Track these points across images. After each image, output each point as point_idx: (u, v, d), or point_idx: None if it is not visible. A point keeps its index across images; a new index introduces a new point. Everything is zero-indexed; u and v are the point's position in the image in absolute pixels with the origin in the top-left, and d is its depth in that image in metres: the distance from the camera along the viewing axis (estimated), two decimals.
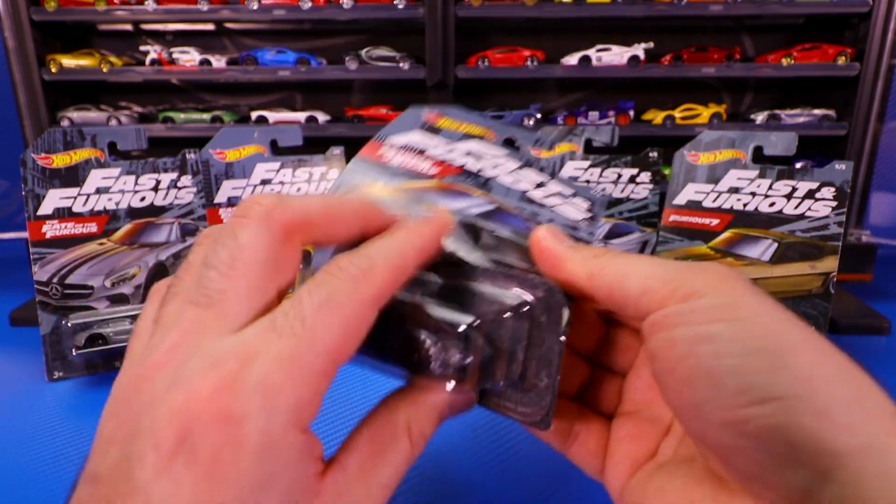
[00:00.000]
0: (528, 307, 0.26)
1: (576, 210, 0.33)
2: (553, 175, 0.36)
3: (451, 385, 0.24)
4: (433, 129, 0.39)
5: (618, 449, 0.30)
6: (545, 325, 0.26)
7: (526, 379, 0.26)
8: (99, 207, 0.82)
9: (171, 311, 0.21)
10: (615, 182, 0.97)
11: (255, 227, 0.22)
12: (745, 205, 0.82)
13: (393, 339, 0.25)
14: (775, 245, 0.80)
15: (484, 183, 0.35)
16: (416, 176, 0.34)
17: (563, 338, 0.26)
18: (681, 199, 0.87)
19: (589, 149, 1.03)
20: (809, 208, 0.79)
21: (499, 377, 0.26)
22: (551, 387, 0.26)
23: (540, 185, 0.35)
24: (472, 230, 0.30)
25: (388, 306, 0.23)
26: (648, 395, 0.31)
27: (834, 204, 0.78)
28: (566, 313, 0.26)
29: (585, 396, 0.33)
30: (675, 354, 0.23)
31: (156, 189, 0.86)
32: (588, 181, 0.98)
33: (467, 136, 0.38)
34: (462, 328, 0.24)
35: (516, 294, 0.26)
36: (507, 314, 0.26)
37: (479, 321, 0.24)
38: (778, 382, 0.20)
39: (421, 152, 0.36)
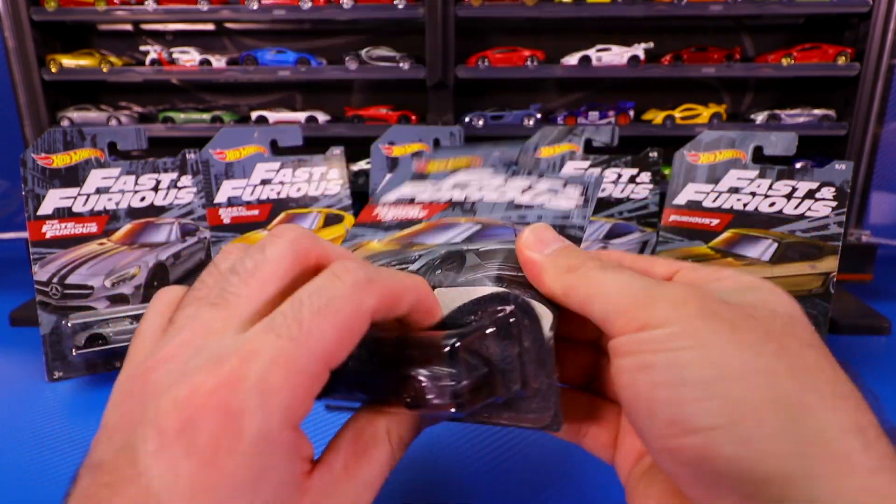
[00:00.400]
0: (508, 316, 0.26)
1: (567, 200, 0.33)
2: (542, 175, 0.36)
3: (454, 411, 0.24)
4: (422, 177, 0.40)
5: (624, 440, 0.31)
6: (530, 329, 0.26)
7: (528, 385, 0.26)
8: (99, 207, 0.82)
9: (187, 313, 0.23)
10: (615, 182, 0.97)
11: (283, 245, 0.24)
12: (745, 205, 0.82)
13: (385, 383, 0.25)
14: (775, 245, 0.80)
15: (470, 208, 0.35)
16: (407, 224, 0.35)
17: (549, 337, 0.26)
18: (681, 199, 0.87)
19: (589, 149, 1.03)
20: (809, 208, 0.79)
21: (500, 391, 0.26)
22: (552, 387, 0.26)
23: (527, 189, 0.35)
24: (456, 257, 0.30)
25: (374, 349, 0.24)
26: None
27: (834, 204, 0.78)
28: (548, 315, 0.26)
29: (596, 385, 0.34)
30: (621, 382, 0.24)
31: (156, 189, 0.86)
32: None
33: (454, 172, 0.39)
34: (446, 348, 0.24)
35: (493, 307, 0.26)
36: (489, 329, 0.26)
37: (459, 339, 0.24)
38: (703, 412, 0.21)
39: (411, 201, 0.37)
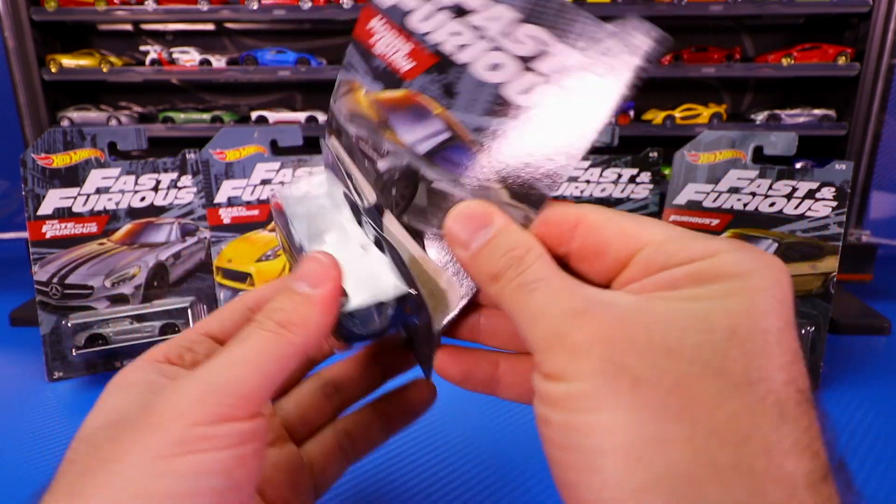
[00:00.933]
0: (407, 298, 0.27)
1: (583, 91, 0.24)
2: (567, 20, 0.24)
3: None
4: None
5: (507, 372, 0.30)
6: (427, 324, 0.28)
7: (418, 344, 0.30)
8: (99, 207, 0.82)
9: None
10: (615, 182, 0.97)
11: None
12: (745, 205, 0.82)
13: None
14: (775, 245, 0.80)
15: (448, 86, 0.26)
16: (391, 76, 0.29)
17: (437, 331, 0.28)
18: (681, 199, 0.87)
19: (589, 148, 1.03)
20: (810, 208, 0.79)
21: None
22: (430, 357, 0.29)
23: (535, 58, 0.24)
24: (411, 181, 0.27)
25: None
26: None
27: (834, 204, 0.78)
28: (447, 312, 0.27)
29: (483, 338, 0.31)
30: (538, 425, 0.23)
31: (156, 189, 0.86)
32: (588, 181, 0.98)
33: None
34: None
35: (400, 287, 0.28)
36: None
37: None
38: (587, 486, 0.20)
39: (401, 28, 0.28)
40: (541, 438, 0.23)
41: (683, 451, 0.18)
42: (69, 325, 0.78)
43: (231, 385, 0.23)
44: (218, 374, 0.24)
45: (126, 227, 0.84)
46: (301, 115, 1.27)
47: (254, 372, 0.24)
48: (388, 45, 0.28)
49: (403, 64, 0.27)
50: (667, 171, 0.97)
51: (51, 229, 0.79)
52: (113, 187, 0.83)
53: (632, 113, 1.26)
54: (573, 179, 0.99)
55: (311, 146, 1.02)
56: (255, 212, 0.92)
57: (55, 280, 0.79)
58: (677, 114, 1.23)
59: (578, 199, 0.95)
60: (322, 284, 0.26)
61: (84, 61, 1.22)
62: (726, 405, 0.18)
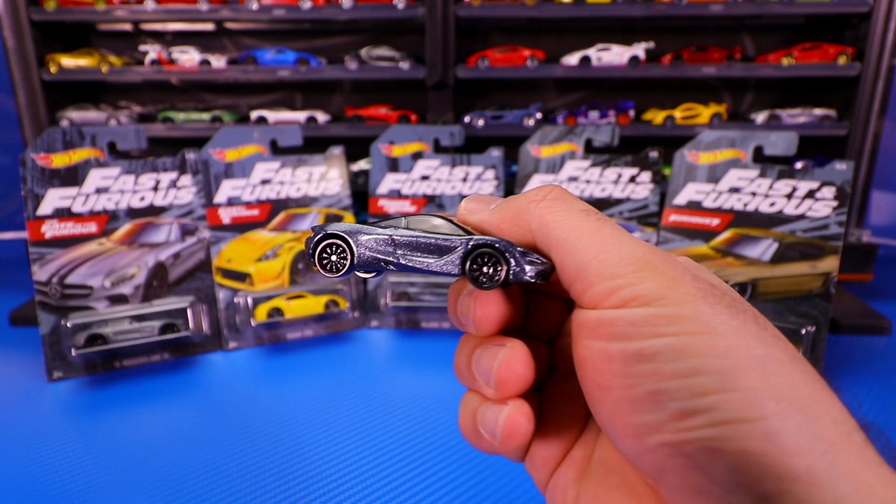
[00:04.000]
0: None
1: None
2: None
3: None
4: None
5: (537, 450, 0.28)
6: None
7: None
8: (98, 207, 0.82)
9: None
10: (615, 182, 0.97)
11: None
12: (745, 205, 0.82)
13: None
14: (776, 245, 0.80)
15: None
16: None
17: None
18: (681, 199, 0.87)
19: (589, 148, 1.03)
20: (810, 208, 0.79)
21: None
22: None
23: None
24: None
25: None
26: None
27: (834, 204, 0.78)
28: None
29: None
30: (610, 371, 0.22)
31: (155, 189, 0.86)
32: (588, 181, 0.98)
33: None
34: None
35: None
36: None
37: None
38: (724, 406, 0.19)
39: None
40: (620, 384, 0.21)
41: (795, 371, 0.20)
42: (69, 325, 0.78)
43: None
44: None
45: (126, 227, 0.84)
46: (301, 115, 1.27)
47: None
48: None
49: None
50: (667, 171, 0.97)
51: (50, 229, 0.79)
52: (112, 187, 0.83)
53: (632, 112, 1.26)
54: (573, 179, 0.99)
55: (310, 146, 1.03)
56: (255, 212, 0.92)
57: (55, 280, 0.79)
58: (678, 114, 1.23)
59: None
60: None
61: (83, 61, 1.22)
62: (781, 338, 0.21)
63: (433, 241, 0.27)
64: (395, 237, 0.28)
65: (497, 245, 0.26)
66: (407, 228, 0.28)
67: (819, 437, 0.19)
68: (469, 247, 0.26)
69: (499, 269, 0.25)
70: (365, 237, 0.28)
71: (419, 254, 0.27)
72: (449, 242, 0.27)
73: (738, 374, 0.20)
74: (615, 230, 0.24)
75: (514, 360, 0.25)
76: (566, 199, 0.26)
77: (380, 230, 0.28)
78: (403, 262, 0.27)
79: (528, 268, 0.25)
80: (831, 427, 0.19)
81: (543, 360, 0.29)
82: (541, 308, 0.30)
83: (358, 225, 0.28)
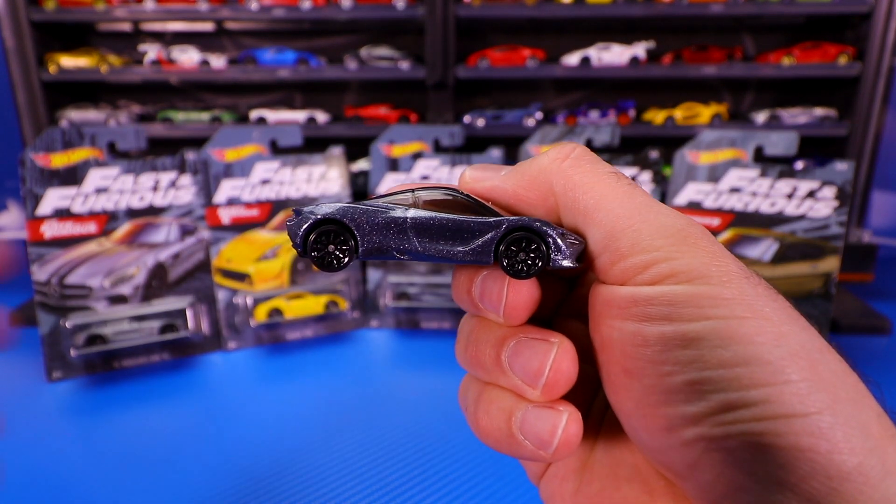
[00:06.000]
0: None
1: None
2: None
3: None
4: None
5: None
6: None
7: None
8: (98, 207, 0.82)
9: None
10: None
11: None
12: (745, 205, 0.82)
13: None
14: (776, 245, 0.80)
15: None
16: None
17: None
18: (681, 199, 0.86)
19: (589, 148, 1.03)
20: (811, 208, 0.79)
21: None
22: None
23: None
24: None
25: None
26: (582, 345, 0.26)
27: (835, 204, 0.78)
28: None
29: None
30: (643, 356, 0.19)
31: (155, 189, 0.85)
32: None
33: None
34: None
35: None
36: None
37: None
38: (776, 398, 0.17)
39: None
40: (653, 371, 0.19)
41: (838, 362, 0.19)
42: (68, 325, 0.78)
43: None
44: None
45: (125, 227, 0.84)
46: (300, 115, 1.27)
47: None
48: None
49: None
50: (667, 171, 0.97)
51: (49, 229, 0.79)
52: (112, 187, 0.83)
53: (632, 112, 1.26)
54: None
55: (310, 146, 1.02)
56: (255, 211, 0.92)
57: (54, 280, 0.79)
58: (678, 114, 1.23)
59: None
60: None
61: (83, 61, 1.22)
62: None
63: (456, 223, 0.23)
64: (409, 219, 0.23)
65: (536, 226, 0.22)
66: (416, 206, 0.23)
67: (867, 433, 0.17)
68: (503, 229, 0.22)
69: (539, 254, 0.22)
70: (370, 220, 0.23)
71: (440, 240, 0.23)
72: (476, 224, 0.23)
73: (789, 363, 0.18)
74: (648, 197, 0.21)
75: (565, 360, 0.22)
76: (591, 158, 0.23)
77: (386, 211, 0.23)
78: (420, 251, 0.23)
79: (567, 251, 0.22)
80: (876, 421, 0.18)
81: None
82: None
83: (354, 204, 0.23)
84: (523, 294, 0.23)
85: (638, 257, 0.20)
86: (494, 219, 0.23)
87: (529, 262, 0.22)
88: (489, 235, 0.22)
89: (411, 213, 0.23)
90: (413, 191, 0.24)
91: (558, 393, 0.22)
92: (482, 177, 0.25)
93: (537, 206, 0.23)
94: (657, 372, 0.19)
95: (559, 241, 0.22)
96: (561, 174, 0.22)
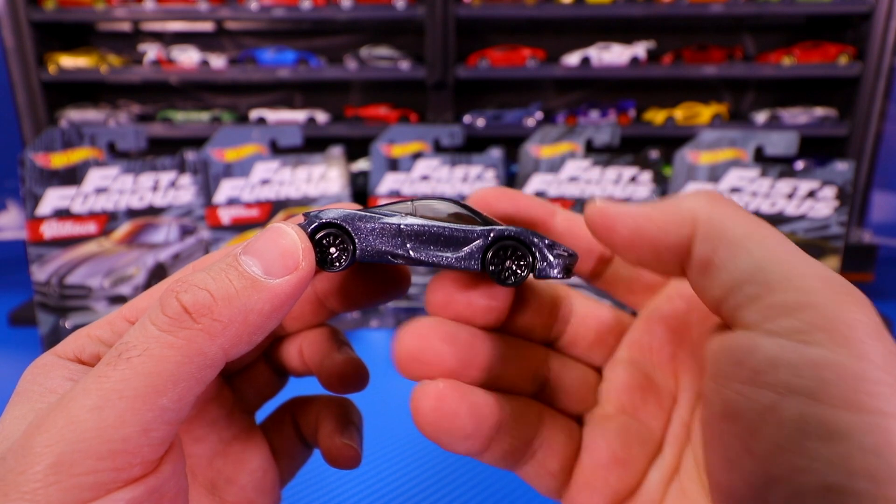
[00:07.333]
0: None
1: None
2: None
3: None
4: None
5: (593, 475, 0.23)
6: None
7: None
8: (98, 207, 0.82)
9: None
10: (616, 182, 0.96)
11: None
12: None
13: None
14: None
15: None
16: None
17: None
18: None
19: (590, 148, 1.03)
20: (811, 208, 0.79)
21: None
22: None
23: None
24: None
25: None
26: (636, 398, 0.24)
27: (835, 204, 0.78)
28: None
29: (546, 393, 0.25)
30: (775, 440, 0.15)
31: (155, 189, 0.85)
32: (589, 181, 0.98)
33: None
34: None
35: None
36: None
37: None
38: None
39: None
40: (752, 447, 0.16)
41: None
42: (68, 325, 0.78)
43: (97, 442, 0.15)
44: (77, 425, 0.16)
45: (125, 228, 0.84)
46: (300, 115, 1.26)
47: (135, 412, 0.16)
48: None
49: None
50: (667, 171, 0.97)
51: (49, 229, 0.79)
52: (112, 187, 0.83)
53: (632, 112, 1.26)
54: (574, 179, 0.99)
55: (310, 146, 1.02)
56: (255, 212, 0.92)
57: (54, 280, 0.79)
58: (678, 114, 1.23)
59: (579, 199, 0.95)
60: (279, 273, 0.20)
61: (83, 61, 1.22)
62: None
63: (447, 230, 0.24)
64: (403, 226, 0.24)
65: (521, 235, 0.23)
66: (414, 215, 0.25)
67: None
68: (490, 238, 0.23)
69: (524, 263, 0.23)
70: (368, 226, 0.24)
71: (432, 246, 0.24)
72: (466, 233, 0.24)
73: None
74: (789, 242, 0.18)
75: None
76: (731, 201, 0.21)
77: (385, 217, 0.24)
78: (414, 256, 0.24)
79: (555, 261, 0.23)
80: None
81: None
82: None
83: (358, 211, 0.25)
84: (499, 300, 0.24)
85: (789, 294, 0.16)
86: (484, 227, 0.24)
87: (517, 269, 0.23)
88: (478, 243, 0.24)
89: (407, 220, 0.24)
90: (413, 200, 0.25)
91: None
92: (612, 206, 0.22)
93: (670, 233, 0.20)
94: (789, 465, 0.15)
95: (546, 251, 0.23)
96: (705, 204, 0.20)
